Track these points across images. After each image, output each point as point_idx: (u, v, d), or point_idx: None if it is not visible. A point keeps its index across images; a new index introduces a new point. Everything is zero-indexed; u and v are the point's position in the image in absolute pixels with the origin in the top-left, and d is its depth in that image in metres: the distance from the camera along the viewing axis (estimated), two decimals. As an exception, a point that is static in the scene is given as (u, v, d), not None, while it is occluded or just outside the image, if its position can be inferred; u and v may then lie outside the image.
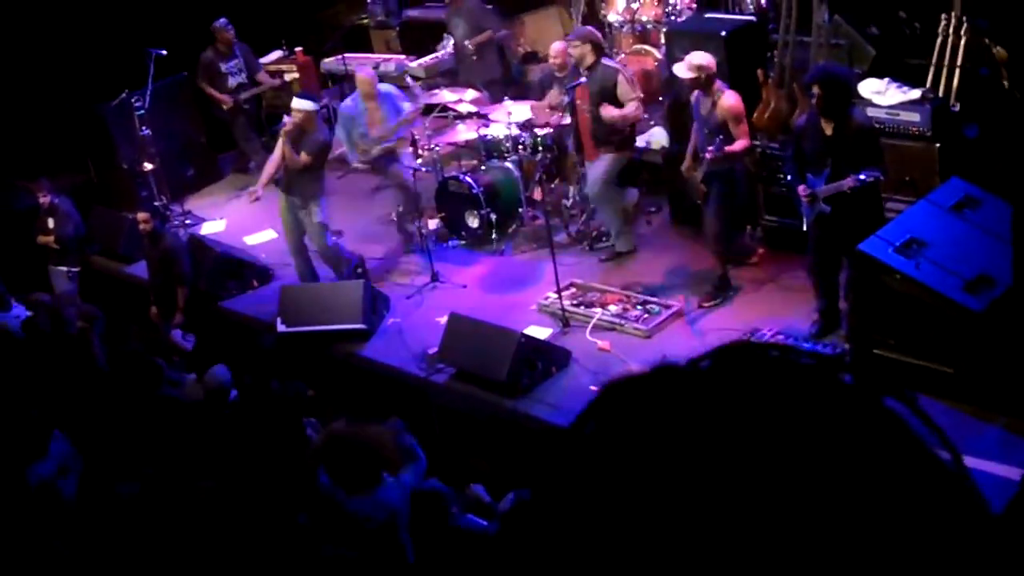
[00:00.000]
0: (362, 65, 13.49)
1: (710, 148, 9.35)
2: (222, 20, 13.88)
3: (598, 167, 10.63)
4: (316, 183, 10.98)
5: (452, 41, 13.81)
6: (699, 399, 0.89)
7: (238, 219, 13.40)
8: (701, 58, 9.44)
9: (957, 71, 9.71)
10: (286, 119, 10.95)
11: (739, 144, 9.35)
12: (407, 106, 11.81)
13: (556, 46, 11.66)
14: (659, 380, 0.93)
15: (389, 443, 7.78)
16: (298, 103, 10.95)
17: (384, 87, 11.85)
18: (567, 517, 0.88)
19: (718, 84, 9.42)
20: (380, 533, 7.00)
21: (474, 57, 13.50)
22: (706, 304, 9.97)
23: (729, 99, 9.36)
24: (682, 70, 9.53)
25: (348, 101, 11.99)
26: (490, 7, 14.06)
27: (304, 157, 10.69)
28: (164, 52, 13.33)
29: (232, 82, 13.94)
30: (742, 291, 10.07)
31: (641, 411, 0.91)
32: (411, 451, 7.63)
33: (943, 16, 9.81)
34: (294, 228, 11.12)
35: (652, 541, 0.83)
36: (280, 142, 10.83)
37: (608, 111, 10.30)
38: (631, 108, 10.35)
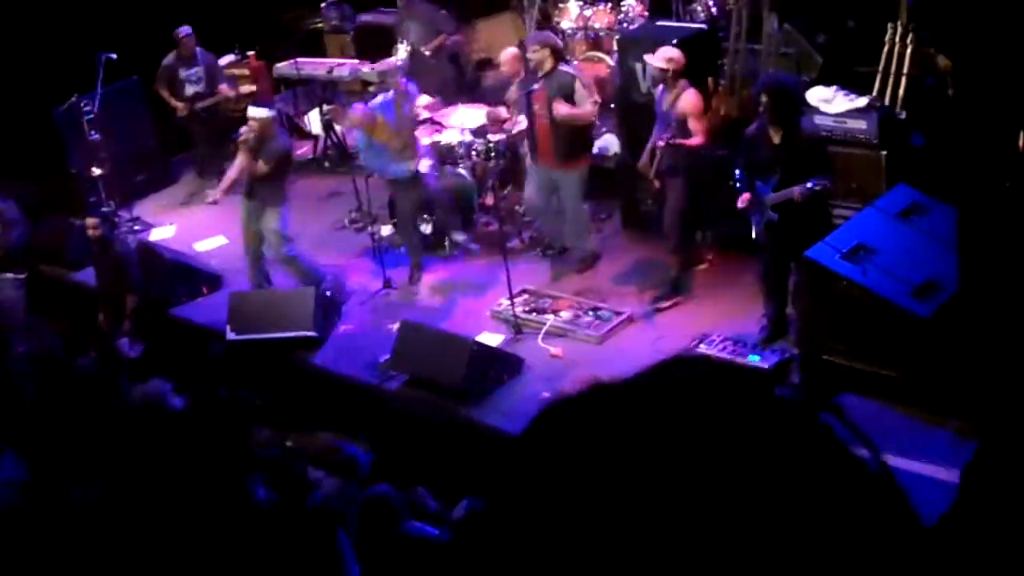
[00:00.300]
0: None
1: (664, 135, 9.45)
2: (185, 29, 13.66)
3: (571, 185, 10.66)
4: (278, 191, 10.92)
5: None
6: (630, 417, 0.92)
7: (188, 225, 13.31)
8: (674, 52, 9.56)
9: (903, 79, 9.82)
10: (243, 128, 10.91)
11: (696, 139, 9.46)
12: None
13: (506, 54, 11.65)
14: (592, 400, 0.96)
15: (322, 453, 7.81)
16: (254, 111, 10.92)
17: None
18: (514, 528, 0.91)
19: (683, 82, 9.52)
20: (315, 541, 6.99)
21: (432, 61, 13.48)
22: (661, 306, 10.01)
23: (691, 96, 9.52)
24: (655, 59, 9.61)
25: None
26: (443, 12, 14.05)
27: (263, 166, 10.64)
28: (114, 56, 13.21)
29: (190, 90, 13.77)
30: (692, 296, 10.13)
31: (574, 431, 0.93)
32: (351, 460, 7.63)
33: (890, 25, 9.93)
34: (253, 235, 11.07)
35: (581, 552, 0.85)
36: (240, 151, 10.78)
37: (559, 108, 10.32)
38: (585, 109, 10.38)
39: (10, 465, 7.84)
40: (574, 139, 10.51)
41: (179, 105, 13.74)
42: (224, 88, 13.98)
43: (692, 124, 9.46)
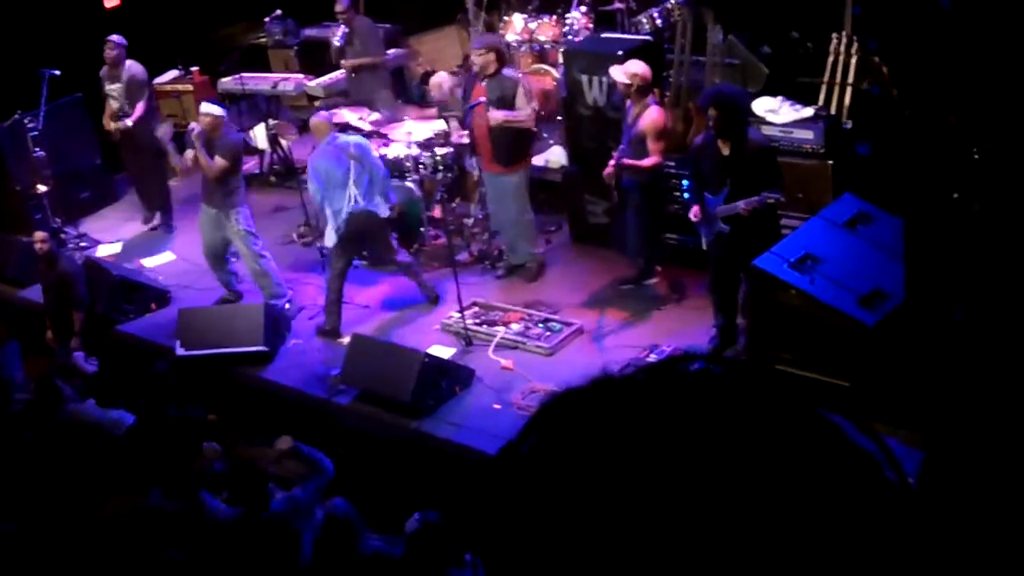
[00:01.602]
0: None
1: (617, 155, 9.52)
2: (112, 37, 13.02)
3: (513, 187, 10.67)
4: (235, 189, 10.89)
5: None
6: (643, 412, 0.91)
7: (135, 241, 13.21)
8: (638, 66, 9.57)
9: (848, 89, 9.93)
10: (193, 125, 10.83)
11: (648, 160, 9.46)
12: None
13: (436, 79, 11.74)
14: (599, 393, 0.94)
15: (282, 461, 7.78)
16: (206, 107, 10.90)
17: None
18: (510, 534, 0.90)
19: (649, 98, 9.54)
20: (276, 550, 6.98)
21: (352, 75, 13.45)
22: (623, 287, 10.14)
23: (652, 114, 9.50)
24: (617, 73, 9.62)
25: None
26: (381, 28, 14.02)
27: (219, 162, 10.61)
28: (58, 72, 13.08)
29: (114, 105, 13.15)
30: (641, 309, 10.17)
31: (586, 423, 0.92)
32: (313, 463, 7.59)
33: (834, 35, 10.04)
34: (213, 239, 11.03)
35: (597, 553, 0.85)
36: (194, 150, 10.71)
37: (494, 114, 10.33)
38: (522, 112, 10.38)
39: None
40: (513, 143, 10.51)
41: (107, 126, 13.31)
42: (138, 108, 13.01)
43: (650, 143, 9.46)
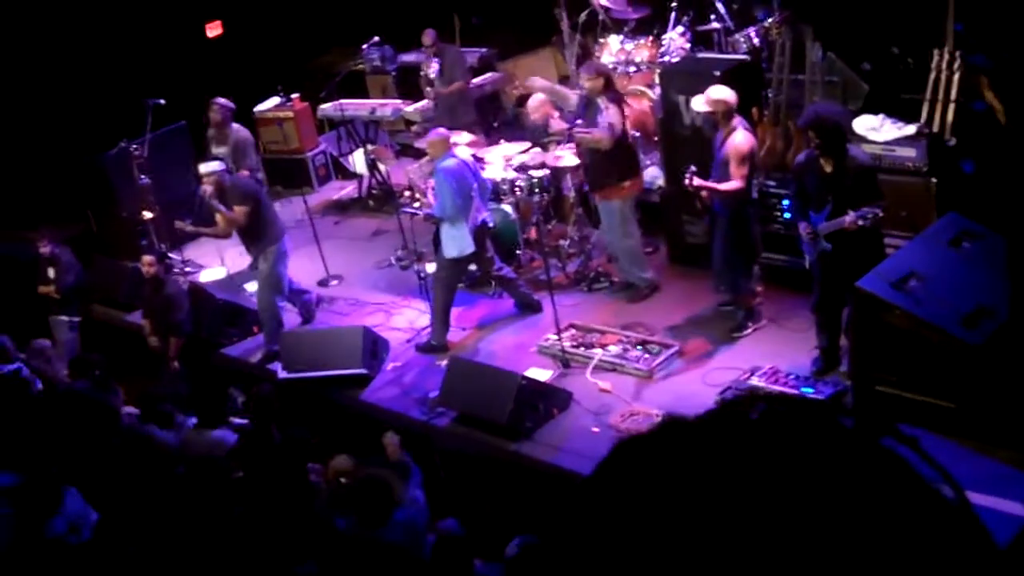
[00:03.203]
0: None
1: (688, 176, 9.44)
2: (216, 99, 12.80)
3: (608, 215, 10.71)
4: (266, 227, 11.00)
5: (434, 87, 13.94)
6: (705, 458, 0.91)
7: (238, 266, 13.42)
8: (720, 92, 9.46)
9: (951, 106, 9.76)
10: (205, 188, 10.88)
11: (729, 184, 9.32)
12: None
13: (532, 102, 11.73)
14: (666, 438, 0.95)
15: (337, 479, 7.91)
16: (205, 167, 11.01)
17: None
18: (578, 569, 0.90)
19: (735, 121, 9.42)
20: (399, 554, 7.04)
21: (439, 103, 13.58)
22: (736, 335, 9.97)
23: (737, 138, 9.34)
24: (699, 103, 9.54)
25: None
26: (476, 53, 14.14)
27: (239, 210, 10.75)
28: (162, 101, 13.37)
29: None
30: (763, 327, 10.06)
31: (649, 469, 0.93)
32: (405, 466, 7.67)
33: (936, 51, 9.87)
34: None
35: None
36: (215, 212, 10.87)
37: (576, 132, 10.46)
38: (594, 131, 10.33)
39: (74, 503, 7.92)
40: (607, 168, 10.47)
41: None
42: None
43: (732, 168, 9.31)
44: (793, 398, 0.97)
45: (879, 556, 0.85)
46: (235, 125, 12.96)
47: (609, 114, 10.26)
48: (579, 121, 10.53)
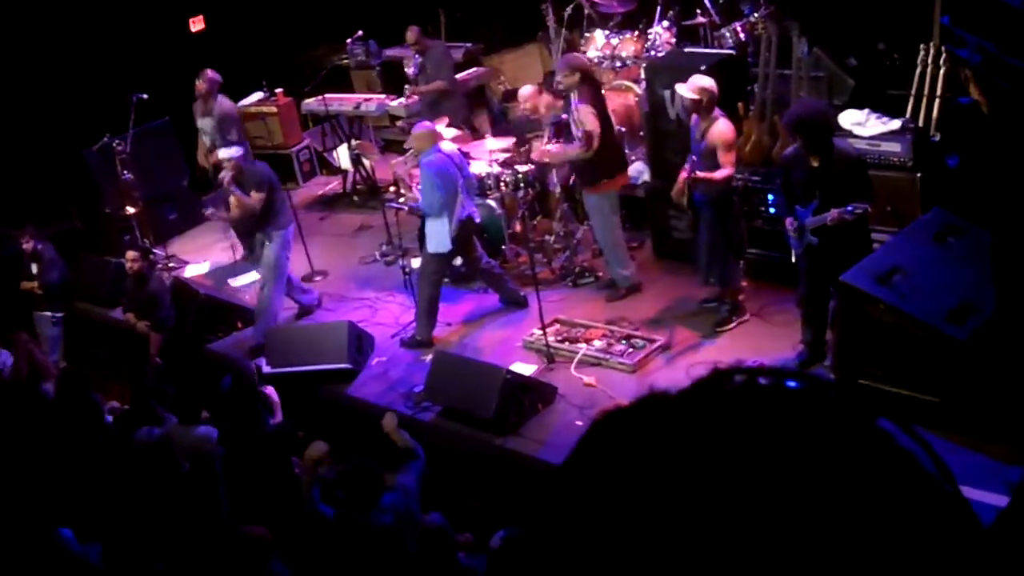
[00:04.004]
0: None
1: (686, 169, 9.43)
2: (207, 70, 13.07)
3: (594, 210, 10.68)
4: (277, 211, 11.12)
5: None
6: (689, 429, 0.89)
7: (222, 262, 13.40)
8: (704, 81, 9.46)
9: (937, 101, 9.77)
10: (224, 175, 10.97)
11: (720, 172, 9.33)
12: None
13: (524, 92, 11.72)
14: (647, 411, 0.93)
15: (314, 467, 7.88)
16: (225, 152, 11.10)
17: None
18: (562, 554, 0.88)
19: (716, 111, 9.44)
20: (390, 538, 7.01)
21: (424, 100, 13.58)
22: (720, 329, 9.97)
23: (721, 126, 9.36)
24: (685, 90, 9.51)
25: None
26: (462, 48, 14.11)
27: (255, 195, 10.84)
28: (145, 96, 13.32)
29: (206, 140, 13.30)
30: (746, 321, 10.07)
31: (631, 443, 0.91)
32: (409, 449, 7.63)
33: (921, 46, 9.88)
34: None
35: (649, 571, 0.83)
36: (230, 196, 10.90)
37: (544, 150, 10.63)
38: (570, 148, 10.37)
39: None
40: (595, 165, 10.42)
41: (201, 162, 13.51)
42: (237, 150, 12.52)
43: (720, 156, 9.32)
44: (774, 370, 0.95)
45: (863, 532, 0.82)
46: (221, 97, 13.14)
47: (582, 119, 10.20)
48: (564, 116, 10.49)
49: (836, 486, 0.83)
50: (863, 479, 0.85)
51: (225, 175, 10.89)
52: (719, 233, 9.64)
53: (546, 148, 10.67)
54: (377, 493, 7.16)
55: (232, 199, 10.92)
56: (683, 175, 9.59)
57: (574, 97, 10.31)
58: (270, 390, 9.56)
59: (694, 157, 9.55)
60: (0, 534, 7.52)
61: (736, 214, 9.73)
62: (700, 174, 9.44)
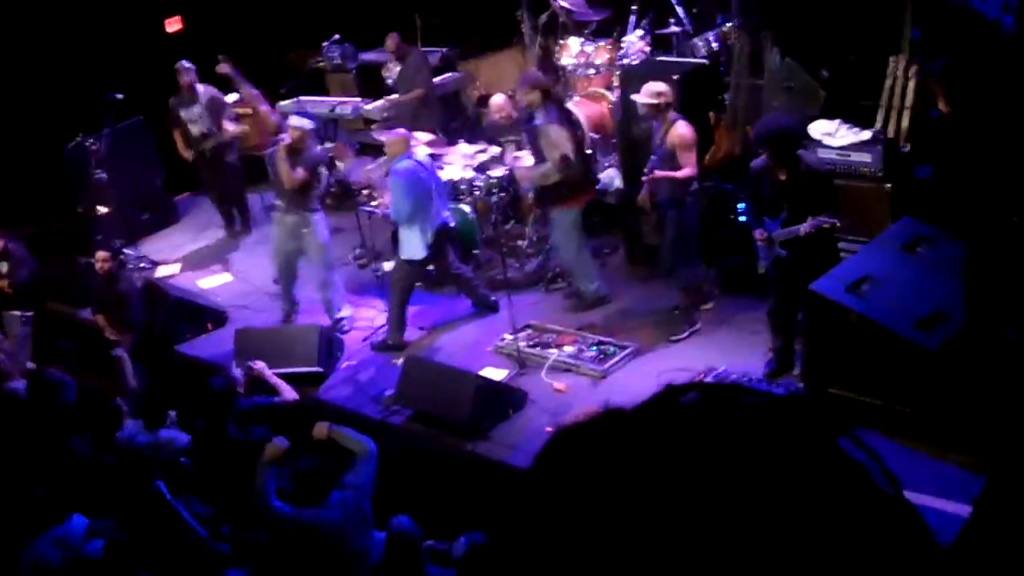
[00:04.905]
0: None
1: (645, 171, 9.51)
2: (181, 62, 13.40)
3: (558, 225, 10.66)
4: (314, 199, 11.17)
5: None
6: (639, 446, 0.91)
7: (193, 262, 13.36)
8: (659, 86, 9.53)
9: (907, 112, 9.84)
10: (283, 136, 11.01)
11: (682, 171, 9.41)
12: None
13: (495, 100, 11.77)
14: (602, 427, 0.95)
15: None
16: (295, 120, 11.09)
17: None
18: (523, 565, 0.90)
19: (672, 114, 9.49)
20: (334, 539, 6.99)
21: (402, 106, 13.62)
22: (673, 338, 10.01)
23: (680, 127, 9.45)
24: (641, 97, 9.57)
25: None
26: (438, 53, 14.10)
27: (301, 173, 10.84)
28: (121, 96, 13.27)
29: (195, 130, 13.45)
30: (697, 331, 10.11)
31: (584, 461, 0.92)
32: (355, 442, 7.56)
33: (892, 58, 9.96)
34: (287, 248, 11.23)
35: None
36: (279, 160, 10.89)
37: (518, 171, 10.82)
38: (542, 167, 10.34)
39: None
40: (560, 183, 10.38)
41: (183, 152, 13.62)
42: (227, 125, 13.67)
43: (681, 156, 9.42)
44: (729, 386, 0.97)
45: (808, 547, 0.84)
46: (201, 85, 13.40)
47: (555, 141, 10.19)
48: (538, 121, 10.48)
49: (783, 501, 0.84)
50: (811, 494, 0.86)
51: (284, 138, 10.95)
52: (682, 232, 9.69)
53: (518, 167, 10.70)
54: (326, 489, 7.14)
55: (283, 167, 10.89)
56: (644, 179, 9.69)
57: (539, 115, 10.31)
58: (260, 365, 9.56)
59: (653, 157, 9.63)
60: None
61: (696, 213, 9.78)
62: (659, 173, 9.53)
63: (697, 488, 0.85)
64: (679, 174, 9.43)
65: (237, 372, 10.17)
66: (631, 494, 0.86)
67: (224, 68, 12.75)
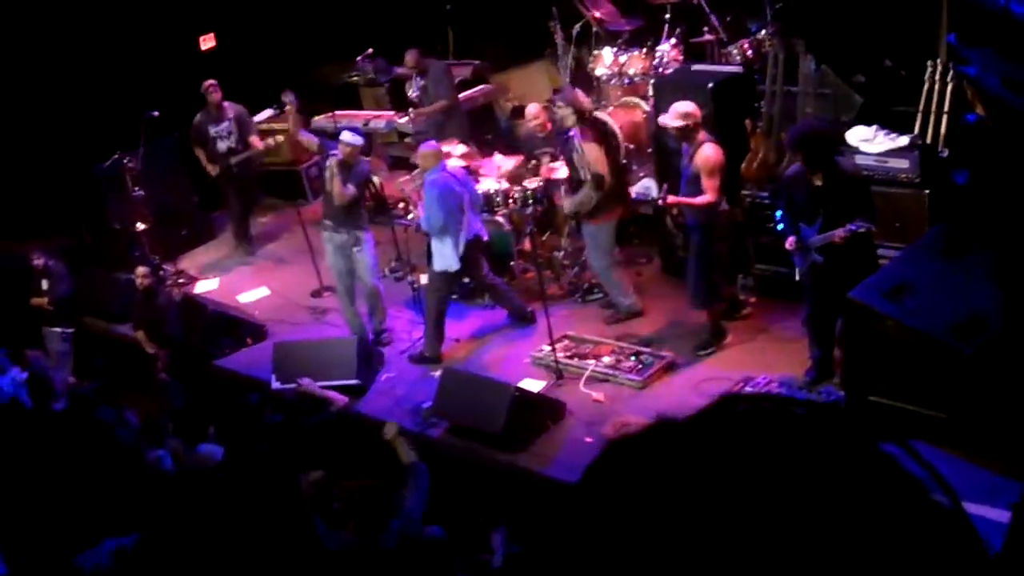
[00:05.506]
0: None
1: (660, 195, 9.53)
2: (209, 81, 13.65)
3: (591, 239, 10.67)
4: (362, 216, 11.23)
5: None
6: (696, 454, 0.91)
7: (232, 278, 13.43)
8: (686, 106, 9.49)
9: (944, 117, 9.77)
10: (335, 152, 11.07)
11: (701, 198, 9.34)
12: None
13: (531, 109, 11.76)
14: (656, 437, 0.95)
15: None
16: (347, 136, 11.12)
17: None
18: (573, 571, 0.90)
19: (701, 135, 9.44)
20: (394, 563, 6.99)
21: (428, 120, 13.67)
22: (700, 352, 9.98)
23: (706, 151, 9.37)
24: (668, 119, 9.54)
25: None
26: (469, 66, 14.11)
27: (352, 189, 10.89)
28: (156, 114, 13.38)
29: (222, 146, 13.66)
30: (735, 340, 10.08)
31: (639, 470, 0.93)
32: (412, 463, 7.59)
33: (929, 63, 9.89)
34: (343, 268, 11.24)
35: None
36: (331, 177, 10.95)
37: (563, 204, 10.73)
38: (579, 195, 10.36)
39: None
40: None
41: (209, 168, 13.76)
42: (256, 141, 13.84)
43: (704, 181, 9.34)
44: (781, 398, 0.97)
45: (869, 556, 0.84)
46: (226, 102, 13.72)
47: (591, 161, 10.18)
48: (572, 132, 10.47)
49: (841, 515, 0.85)
50: (867, 507, 0.86)
51: (337, 154, 10.98)
52: (704, 259, 9.64)
53: (558, 197, 10.76)
54: (387, 517, 7.14)
55: (335, 183, 10.92)
56: (659, 201, 9.73)
57: (575, 133, 10.32)
58: (307, 381, 9.62)
59: (665, 185, 9.62)
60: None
61: (727, 239, 9.72)
62: (671, 199, 9.51)
63: (760, 501, 0.85)
64: (696, 201, 9.38)
65: (276, 385, 10.24)
66: (688, 505, 0.87)
67: (288, 98, 12.95)
